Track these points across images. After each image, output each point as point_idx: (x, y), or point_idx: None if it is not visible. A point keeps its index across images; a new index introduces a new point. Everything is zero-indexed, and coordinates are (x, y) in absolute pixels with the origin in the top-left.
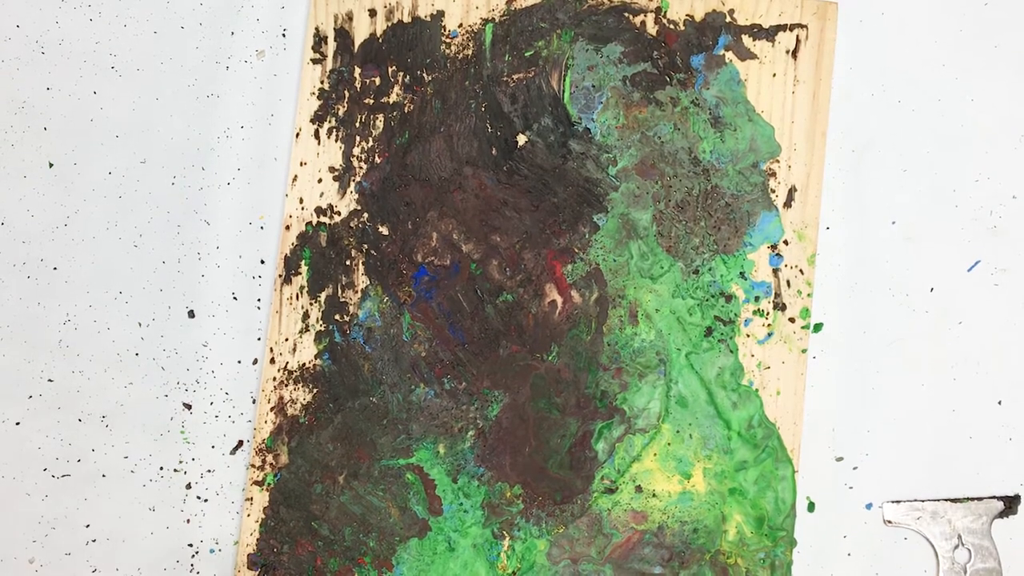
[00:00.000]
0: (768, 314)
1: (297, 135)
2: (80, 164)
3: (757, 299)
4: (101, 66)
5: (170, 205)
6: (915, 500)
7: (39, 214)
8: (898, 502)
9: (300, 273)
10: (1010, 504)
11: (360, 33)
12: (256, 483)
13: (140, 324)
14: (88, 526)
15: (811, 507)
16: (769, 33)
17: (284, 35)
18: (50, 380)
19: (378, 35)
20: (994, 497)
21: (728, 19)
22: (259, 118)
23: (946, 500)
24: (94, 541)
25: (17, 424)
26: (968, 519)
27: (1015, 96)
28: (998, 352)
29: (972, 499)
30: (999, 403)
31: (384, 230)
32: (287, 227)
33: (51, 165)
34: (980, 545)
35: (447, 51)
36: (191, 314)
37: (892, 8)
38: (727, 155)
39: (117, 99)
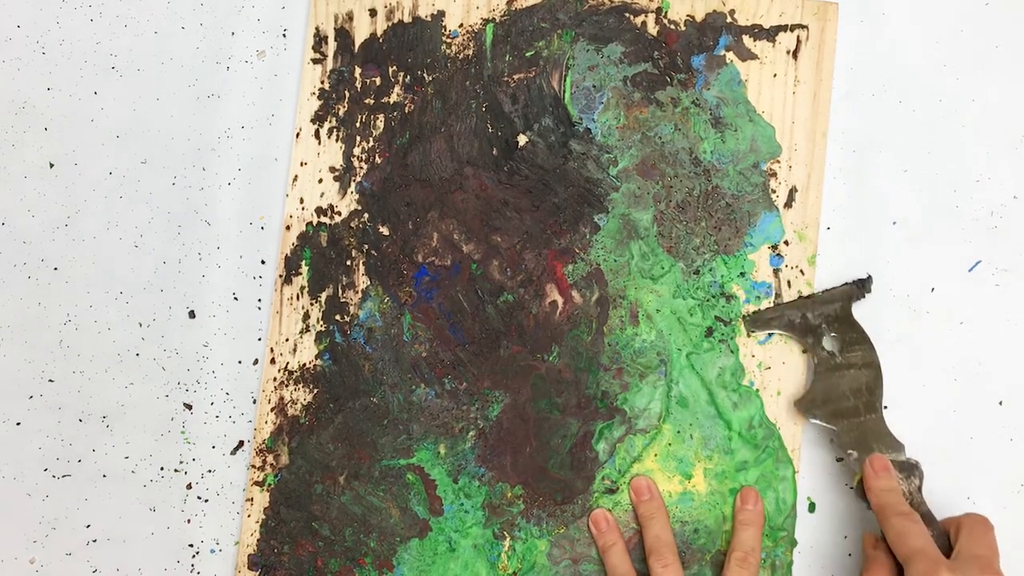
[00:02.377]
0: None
1: (297, 135)
2: (81, 164)
3: (758, 299)
4: (102, 66)
5: (171, 205)
6: (769, 307)
7: (40, 214)
8: (755, 316)
9: (301, 273)
10: (862, 285)
11: (360, 33)
12: (257, 483)
13: (141, 324)
14: (89, 526)
15: (812, 507)
16: (770, 33)
17: (285, 35)
18: (51, 380)
19: (378, 35)
20: (845, 284)
21: (729, 19)
22: (260, 118)
23: (798, 301)
24: (95, 541)
25: (18, 424)
26: (826, 311)
27: (1016, 96)
28: (999, 352)
29: (824, 291)
30: (1000, 403)
31: (385, 230)
32: (287, 227)
33: (52, 165)
34: (845, 330)
35: (448, 51)
36: (192, 314)
37: (893, 8)
38: (728, 155)
39: (118, 99)
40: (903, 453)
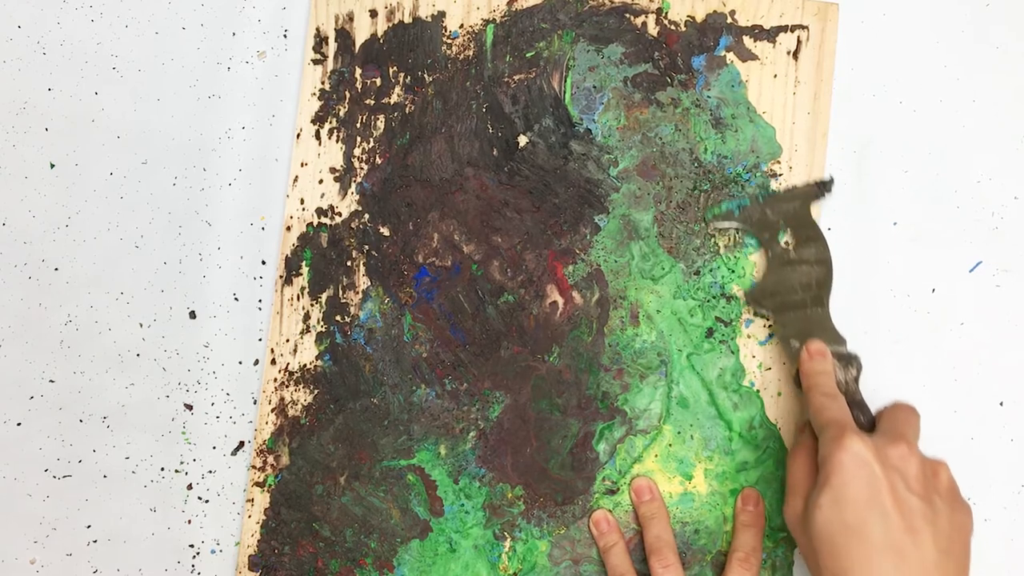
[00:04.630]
0: (769, 315)
1: (298, 136)
2: (81, 165)
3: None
4: (102, 67)
5: (171, 206)
6: (728, 209)
7: (40, 215)
8: (711, 216)
9: (301, 274)
10: (822, 186)
11: (361, 34)
12: (257, 484)
13: (141, 325)
14: (89, 527)
15: None
16: (770, 34)
17: (285, 36)
18: (51, 381)
19: (379, 36)
20: (807, 184)
21: (729, 20)
22: (260, 119)
23: (759, 202)
24: (95, 542)
25: (18, 425)
26: (785, 208)
27: (1017, 97)
28: (999, 353)
29: (785, 190)
30: (1000, 404)
31: (385, 231)
32: (288, 228)
33: (52, 166)
34: (802, 228)
35: (448, 52)
36: (192, 315)
37: (894, 8)
38: (728, 156)
39: (118, 100)
40: (844, 347)
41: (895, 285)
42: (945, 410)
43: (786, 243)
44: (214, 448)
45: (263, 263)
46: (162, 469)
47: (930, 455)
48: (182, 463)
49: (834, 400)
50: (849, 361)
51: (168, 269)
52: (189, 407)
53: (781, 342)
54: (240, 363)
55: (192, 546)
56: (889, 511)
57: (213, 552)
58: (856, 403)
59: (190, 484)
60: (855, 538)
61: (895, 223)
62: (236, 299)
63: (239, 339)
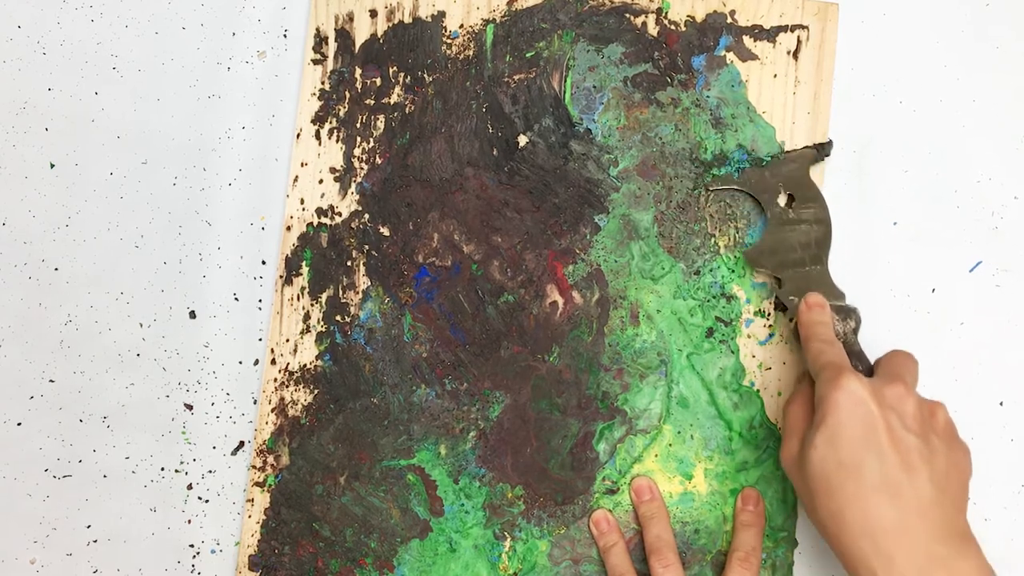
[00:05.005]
0: (769, 315)
1: (298, 136)
2: (81, 165)
3: (759, 299)
4: (102, 67)
5: (171, 206)
6: (727, 173)
7: (40, 215)
8: (709, 179)
9: (301, 274)
10: (821, 148)
11: (361, 34)
12: (257, 484)
13: (141, 324)
14: (89, 527)
15: None
16: (770, 34)
17: (285, 36)
18: (51, 381)
19: (379, 36)
20: (805, 147)
21: (729, 20)
22: (260, 119)
23: (757, 166)
24: (95, 542)
25: (18, 425)
26: (784, 170)
27: (1017, 97)
28: (999, 353)
29: (784, 153)
30: (1000, 404)
31: (385, 231)
32: (288, 228)
33: (52, 166)
34: (801, 189)
35: (448, 52)
36: (192, 315)
37: (894, 8)
38: (728, 156)
39: (118, 100)
40: (843, 300)
41: (895, 285)
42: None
43: (785, 204)
44: (214, 448)
45: (263, 263)
46: (162, 469)
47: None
48: (182, 463)
49: (831, 346)
50: (848, 314)
51: (168, 269)
52: (189, 407)
53: (781, 299)
54: (240, 363)
55: (192, 546)
56: (885, 449)
57: (213, 552)
58: (854, 353)
59: (190, 484)
60: (850, 476)
61: (895, 223)
62: (236, 299)
63: (239, 339)
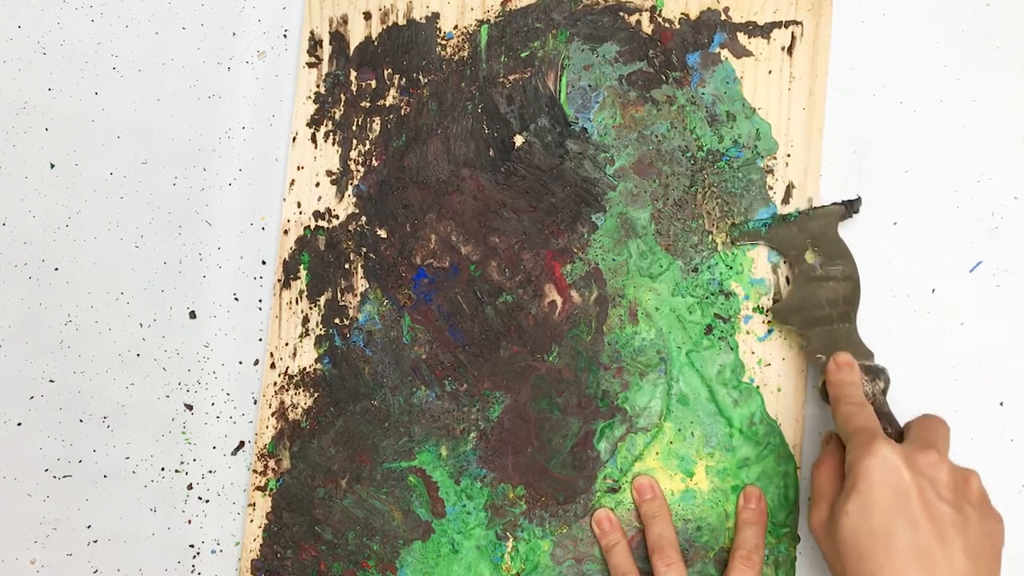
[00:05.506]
0: (768, 311)
1: (294, 139)
2: (81, 165)
3: (758, 296)
4: (102, 67)
5: (171, 206)
6: (755, 228)
7: (40, 215)
8: (736, 234)
9: (299, 277)
10: (850, 205)
11: (355, 36)
12: (259, 488)
13: (141, 325)
14: (89, 527)
15: None
16: (764, 30)
17: (285, 36)
18: (51, 381)
19: (373, 38)
20: (834, 203)
21: (723, 17)
22: (260, 119)
23: (785, 222)
24: (95, 542)
25: (19, 425)
26: (812, 227)
27: (1017, 97)
28: (1000, 353)
29: (813, 209)
30: (1001, 404)
31: (382, 233)
32: (285, 231)
33: (52, 166)
34: (829, 246)
35: (443, 53)
36: (192, 315)
37: (893, 8)
38: (725, 153)
39: (118, 100)
40: (872, 360)
41: (895, 285)
42: (945, 410)
43: (813, 261)
44: (214, 448)
45: (263, 263)
46: (162, 469)
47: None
48: (182, 463)
49: (862, 408)
50: (877, 374)
51: (168, 269)
52: (189, 407)
53: (808, 357)
54: (240, 363)
55: (192, 546)
56: (918, 518)
57: (213, 552)
58: (884, 415)
59: (190, 484)
60: (882, 545)
61: (895, 223)
62: (236, 299)
63: (239, 339)
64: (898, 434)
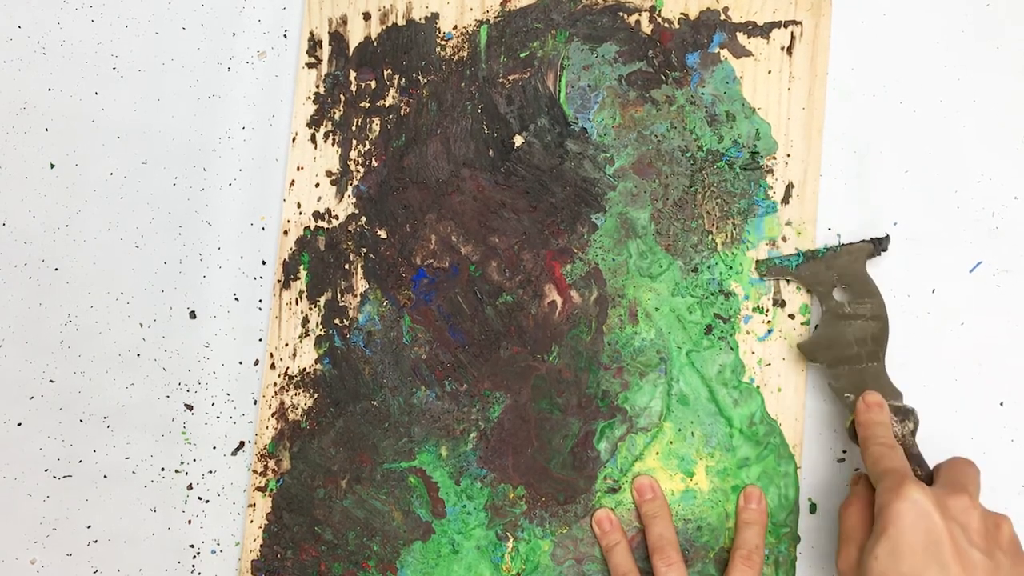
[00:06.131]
0: (768, 311)
1: (293, 139)
2: (81, 165)
3: (757, 296)
4: (102, 67)
5: (171, 206)
6: (783, 264)
7: (40, 215)
8: (764, 269)
9: (299, 278)
10: (878, 243)
11: (355, 37)
12: (259, 489)
13: (141, 325)
14: (89, 527)
15: (813, 508)
16: (764, 30)
17: (285, 36)
18: (51, 381)
19: (373, 38)
20: (863, 241)
21: (723, 17)
22: (260, 119)
23: (813, 258)
24: (95, 542)
25: (19, 425)
26: (840, 264)
27: (1017, 97)
28: (1000, 353)
29: (841, 246)
30: (1001, 404)
31: (382, 233)
32: (285, 232)
33: (52, 166)
34: (857, 284)
35: (442, 53)
36: (192, 315)
37: (893, 8)
38: (724, 152)
39: (118, 100)
40: (901, 400)
41: (895, 285)
42: (945, 410)
43: (841, 298)
44: (214, 448)
45: (263, 263)
46: (162, 469)
47: (993, 509)
48: (182, 463)
49: (892, 450)
50: (906, 415)
51: (168, 269)
52: (189, 407)
53: (835, 395)
54: (240, 363)
55: (192, 546)
56: (949, 563)
57: (213, 552)
58: (913, 456)
59: (190, 484)
60: None
61: (895, 223)
62: (236, 299)
63: (239, 339)
64: (927, 476)
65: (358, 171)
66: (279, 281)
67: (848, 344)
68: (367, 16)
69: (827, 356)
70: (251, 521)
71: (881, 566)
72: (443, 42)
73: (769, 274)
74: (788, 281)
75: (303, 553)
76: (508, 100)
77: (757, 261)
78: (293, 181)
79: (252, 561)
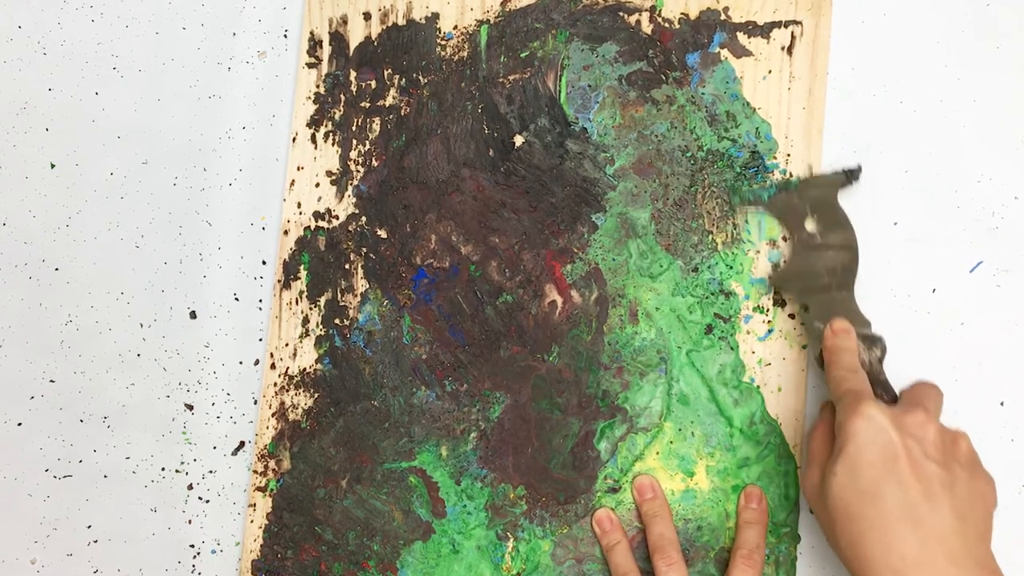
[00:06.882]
0: (768, 310)
1: (294, 139)
2: (82, 165)
3: (758, 295)
4: (103, 67)
5: (172, 206)
6: (757, 195)
7: (41, 215)
8: (737, 200)
9: (299, 278)
10: (850, 174)
11: (355, 37)
12: (259, 489)
13: (142, 325)
14: (90, 527)
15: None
16: (764, 30)
17: (286, 36)
18: (52, 381)
19: (373, 38)
20: (835, 172)
21: (723, 17)
22: (261, 119)
23: (785, 190)
24: (96, 542)
25: (19, 425)
26: (812, 195)
27: (1017, 97)
28: (1000, 353)
29: (812, 177)
30: (1001, 404)
31: (382, 233)
32: (285, 232)
33: (53, 166)
34: (828, 215)
35: (442, 53)
36: (193, 315)
37: (894, 8)
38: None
39: (119, 100)
40: (869, 328)
41: (895, 285)
42: (945, 410)
43: (812, 229)
44: (214, 448)
45: (263, 263)
46: (162, 469)
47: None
48: (182, 463)
49: (855, 374)
50: (873, 342)
51: (168, 269)
52: (189, 407)
53: (805, 324)
54: (240, 363)
55: (192, 546)
56: (905, 477)
57: (213, 552)
58: (880, 383)
59: (190, 484)
60: (871, 504)
61: (895, 223)
62: (236, 299)
63: (239, 339)
64: (893, 401)
65: (358, 171)
66: (279, 281)
67: (818, 274)
68: (367, 16)
69: (797, 286)
70: (251, 521)
71: (840, 483)
72: (443, 42)
73: (742, 204)
74: (762, 212)
75: (303, 553)
76: (508, 100)
77: (731, 189)
78: (293, 181)
79: (252, 561)
